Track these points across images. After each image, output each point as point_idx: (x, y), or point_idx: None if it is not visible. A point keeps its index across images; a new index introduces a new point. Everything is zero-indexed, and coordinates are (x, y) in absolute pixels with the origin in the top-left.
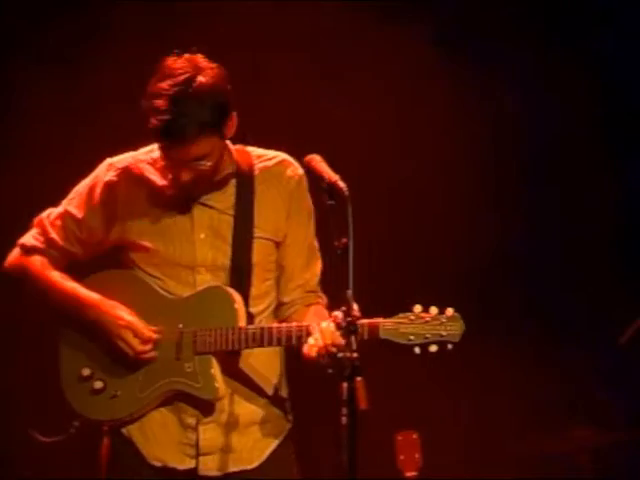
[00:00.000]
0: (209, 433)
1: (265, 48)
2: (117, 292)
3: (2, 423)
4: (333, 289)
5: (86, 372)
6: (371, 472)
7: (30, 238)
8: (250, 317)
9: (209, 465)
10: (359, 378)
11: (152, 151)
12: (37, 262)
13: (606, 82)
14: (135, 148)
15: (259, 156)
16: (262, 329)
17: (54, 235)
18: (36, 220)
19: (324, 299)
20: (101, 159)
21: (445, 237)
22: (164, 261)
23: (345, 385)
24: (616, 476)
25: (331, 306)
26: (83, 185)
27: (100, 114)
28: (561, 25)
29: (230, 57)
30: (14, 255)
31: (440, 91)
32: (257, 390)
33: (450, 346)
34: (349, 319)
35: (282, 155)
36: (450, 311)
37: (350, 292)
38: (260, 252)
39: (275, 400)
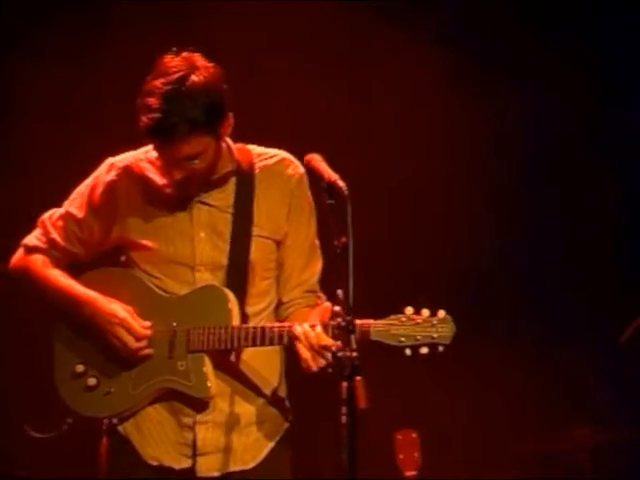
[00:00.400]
0: (206, 433)
1: (265, 47)
2: (112, 290)
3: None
4: (333, 288)
5: (80, 369)
6: (371, 471)
7: (33, 238)
8: (245, 317)
9: (206, 465)
10: (359, 377)
11: (152, 150)
12: (38, 261)
13: (606, 82)
14: (136, 147)
15: (260, 154)
16: (254, 329)
17: (55, 235)
18: (39, 221)
19: (323, 299)
20: (102, 158)
21: (445, 237)
22: (164, 260)
23: (345, 384)
24: (616, 476)
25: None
26: (84, 185)
27: (101, 113)
28: (561, 25)
29: (230, 56)
30: (17, 256)
31: (440, 91)
32: (255, 390)
33: (441, 348)
34: (348, 318)
35: (283, 153)
36: (442, 313)
37: (341, 292)
38: (259, 250)
39: (273, 400)
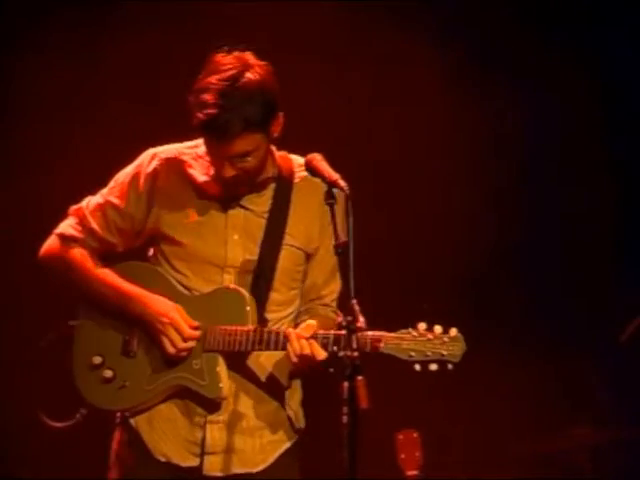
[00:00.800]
0: (216, 432)
1: (266, 47)
2: (135, 284)
3: (1, 422)
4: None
5: (97, 360)
6: (372, 471)
7: (68, 228)
8: (264, 322)
9: (213, 465)
10: (360, 377)
11: (197, 146)
12: (77, 253)
13: (606, 82)
14: (136, 146)
15: (302, 164)
16: (269, 333)
17: (94, 225)
18: (73, 209)
19: (340, 315)
20: (101, 159)
21: (445, 239)
22: (194, 257)
23: (346, 384)
24: (615, 475)
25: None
26: (125, 174)
27: (103, 111)
28: (561, 25)
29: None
30: (51, 245)
31: (440, 91)
32: (270, 393)
33: (450, 366)
34: (349, 318)
35: None
36: (454, 331)
37: (355, 302)
38: (288, 259)
39: (288, 405)
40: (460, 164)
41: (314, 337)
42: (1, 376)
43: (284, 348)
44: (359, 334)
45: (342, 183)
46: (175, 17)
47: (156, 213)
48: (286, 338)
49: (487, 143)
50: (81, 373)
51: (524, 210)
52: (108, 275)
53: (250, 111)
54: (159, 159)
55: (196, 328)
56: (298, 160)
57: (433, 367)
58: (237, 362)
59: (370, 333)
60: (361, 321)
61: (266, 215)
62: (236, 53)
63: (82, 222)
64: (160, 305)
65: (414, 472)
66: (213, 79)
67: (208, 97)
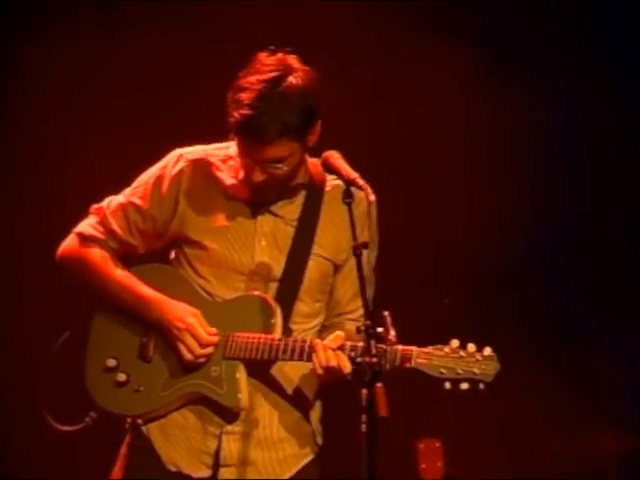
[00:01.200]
0: (232, 444)
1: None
2: (155, 287)
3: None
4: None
5: (111, 363)
6: None
7: (89, 227)
8: (288, 332)
9: (228, 478)
10: (379, 384)
11: (226, 148)
12: (96, 254)
13: (628, 82)
14: (138, 144)
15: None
16: (295, 342)
17: (115, 226)
18: (94, 208)
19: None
20: (103, 157)
21: (459, 241)
22: (218, 263)
23: (365, 391)
24: None
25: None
26: (149, 174)
27: (109, 109)
28: (584, 26)
29: (238, 56)
30: (71, 244)
31: (448, 91)
32: (293, 404)
33: (482, 386)
34: (368, 322)
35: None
36: (488, 350)
37: (388, 313)
38: (315, 270)
39: (309, 418)
40: (481, 164)
41: (341, 348)
42: (1, 376)
43: (309, 359)
44: (389, 347)
45: (361, 182)
46: (185, 15)
47: (181, 216)
48: (312, 348)
49: (507, 143)
50: (93, 375)
51: (542, 210)
52: (127, 278)
53: (288, 117)
54: (185, 160)
55: (214, 334)
56: None
57: (464, 386)
58: (260, 370)
59: (400, 347)
60: (392, 334)
61: (295, 223)
62: (280, 55)
63: (103, 222)
64: (178, 310)
65: None
66: (253, 79)
67: (246, 97)
